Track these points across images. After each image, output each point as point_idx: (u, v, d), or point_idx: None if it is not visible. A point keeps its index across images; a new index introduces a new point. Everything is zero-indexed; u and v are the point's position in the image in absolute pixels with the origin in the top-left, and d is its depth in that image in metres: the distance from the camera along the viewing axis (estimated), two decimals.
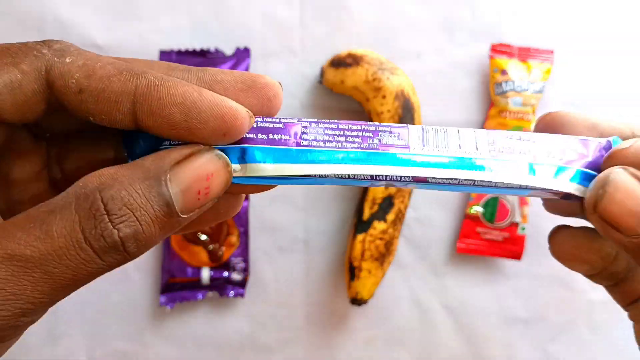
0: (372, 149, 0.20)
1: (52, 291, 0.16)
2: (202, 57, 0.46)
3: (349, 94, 0.45)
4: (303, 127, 0.20)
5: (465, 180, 0.20)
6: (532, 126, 0.46)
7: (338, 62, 0.44)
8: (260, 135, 0.20)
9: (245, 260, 0.47)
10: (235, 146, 0.19)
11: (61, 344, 0.47)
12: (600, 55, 0.48)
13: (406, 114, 0.44)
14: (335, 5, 0.47)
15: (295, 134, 0.20)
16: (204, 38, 0.47)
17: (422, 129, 0.21)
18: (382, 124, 0.21)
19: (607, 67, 0.48)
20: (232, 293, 0.46)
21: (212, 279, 0.46)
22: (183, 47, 0.46)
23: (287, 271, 0.48)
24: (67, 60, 0.17)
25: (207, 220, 0.21)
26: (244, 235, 0.47)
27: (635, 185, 0.18)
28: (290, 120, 0.20)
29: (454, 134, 0.21)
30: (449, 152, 0.20)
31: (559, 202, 0.23)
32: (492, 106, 0.47)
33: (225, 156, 0.19)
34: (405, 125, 0.21)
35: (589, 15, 0.48)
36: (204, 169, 0.17)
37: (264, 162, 0.19)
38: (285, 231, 0.48)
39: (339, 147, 0.20)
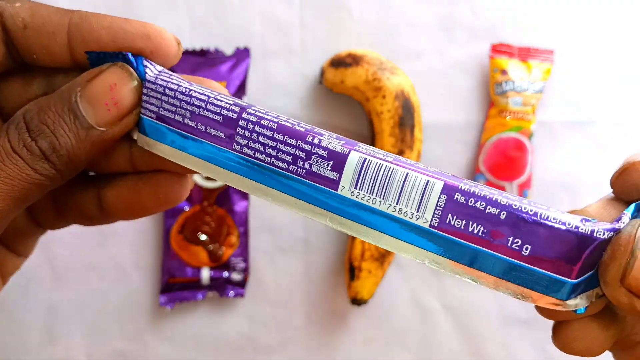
0: (296, 174, 0.18)
1: (3, 199, 0.18)
2: (202, 57, 0.46)
3: (349, 93, 0.45)
4: (240, 127, 0.19)
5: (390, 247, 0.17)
6: (532, 127, 0.46)
7: (338, 62, 0.44)
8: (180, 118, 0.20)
9: (245, 260, 0.47)
10: (157, 123, 0.20)
11: (60, 344, 0.47)
12: (600, 55, 0.48)
13: (406, 114, 0.44)
14: (335, 5, 0.47)
15: (232, 134, 0.19)
16: (204, 38, 0.47)
17: (364, 161, 0.17)
18: (322, 142, 0.18)
19: (607, 67, 0.48)
20: (232, 293, 0.46)
21: (212, 279, 0.46)
22: (183, 47, 0.46)
23: (287, 271, 0.48)
24: (17, 4, 0.20)
25: (150, 205, 0.22)
26: (244, 235, 0.47)
27: None
28: (232, 115, 0.19)
29: (400, 177, 0.17)
30: (380, 205, 0.17)
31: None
32: (492, 106, 0.47)
33: (129, 67, 0.20)
34: (348, 149, 0.18)
35: (589, 15, 0.48)
36: (107, 80, 0.19)
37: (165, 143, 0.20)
38: (285, 231, 0.48)
39: (266, 162, 0.19)
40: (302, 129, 0.18)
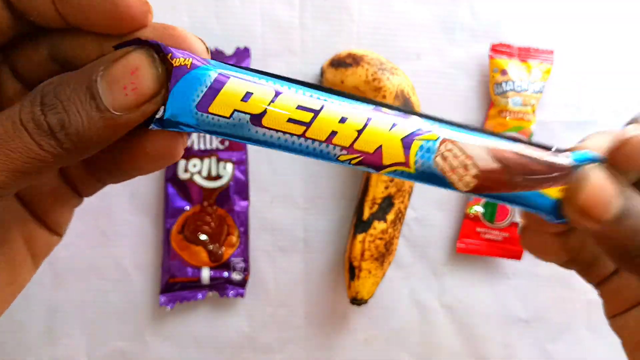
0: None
1: (2, 170, 0.18)
2: None
3: None
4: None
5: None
6: (532, 127, 0.46)
7: (338, 62, 0.44)
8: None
9: (245, 260, 0.47)
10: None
11: (61, 343, 0.47)
12: (600, 55, 0.48)
13: None
14: (335, 5, 0.47)
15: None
16: (204, 38, 0.46)
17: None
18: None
19: (607, 67, 0.48)
20: (232, 293, 0.46)
21: (212, 279, 0.46)
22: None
23: (287, 271, 0.48)
24: None
25: (144, 163, 0.22)
26: (244, 235, 0.47)
27: (605, 179, 0.21)
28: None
29: None
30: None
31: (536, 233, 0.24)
32: (492, 106, 0.47)
33: (153, 53, 0.19)
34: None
35: (589, 15, 0.48)
36: (129, 63, 0.19)
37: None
38: (285, 231, 0.48)
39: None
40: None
